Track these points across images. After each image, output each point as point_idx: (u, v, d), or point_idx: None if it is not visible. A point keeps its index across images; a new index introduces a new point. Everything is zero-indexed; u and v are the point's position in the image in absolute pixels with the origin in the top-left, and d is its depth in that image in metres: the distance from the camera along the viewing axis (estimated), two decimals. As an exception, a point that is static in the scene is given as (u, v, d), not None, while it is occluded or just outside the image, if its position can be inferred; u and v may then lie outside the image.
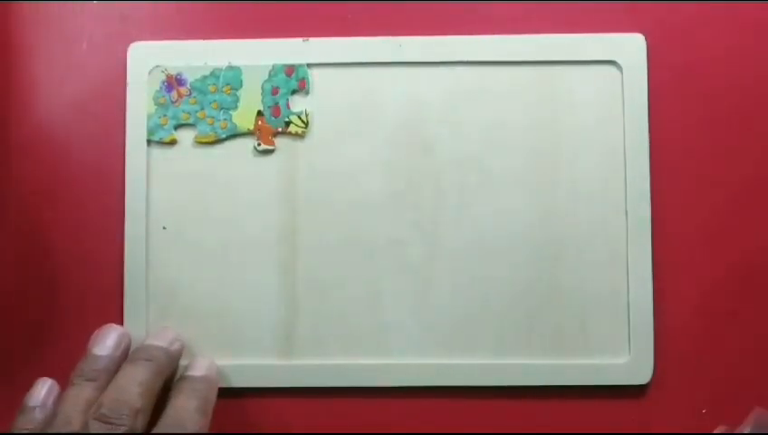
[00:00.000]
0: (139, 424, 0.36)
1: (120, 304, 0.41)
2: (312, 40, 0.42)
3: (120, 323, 0.41)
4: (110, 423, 0.35)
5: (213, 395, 0.40)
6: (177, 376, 0.40)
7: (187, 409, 0.38)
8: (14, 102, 0.42)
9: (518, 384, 0.41)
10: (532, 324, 0.41)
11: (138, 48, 0.42)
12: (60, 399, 0.38)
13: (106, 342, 0.40)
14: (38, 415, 0.38)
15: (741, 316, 0.41)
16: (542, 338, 0.41)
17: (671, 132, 0.42)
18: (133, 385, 0.37)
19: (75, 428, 0.36)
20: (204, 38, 0.42)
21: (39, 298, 0.42)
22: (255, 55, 0.42)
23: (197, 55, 0.42)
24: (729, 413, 0.41)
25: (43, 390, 0.39)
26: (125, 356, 0.40)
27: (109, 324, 0.41)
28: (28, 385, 0.39)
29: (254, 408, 0.42)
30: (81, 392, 0.38)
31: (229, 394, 0.41)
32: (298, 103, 0.41)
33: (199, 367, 0.40)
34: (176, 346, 0.40)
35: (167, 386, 0.39)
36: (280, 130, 0.41)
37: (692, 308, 0.41)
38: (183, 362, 0.41)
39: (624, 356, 0.41)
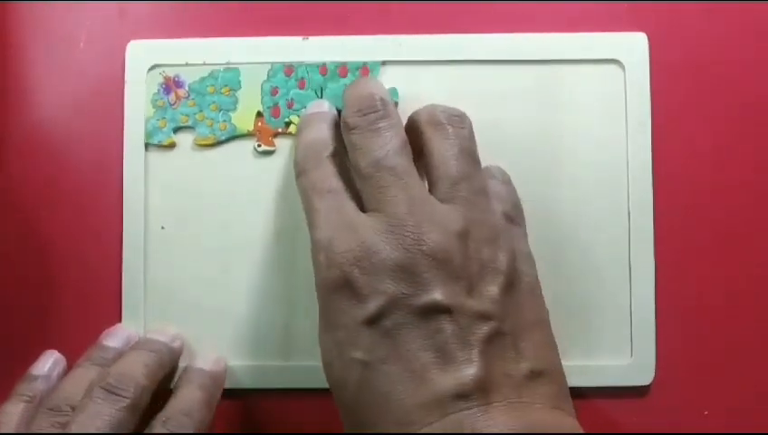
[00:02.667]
0: (143, 401, 0.36)
1: (118, 304, 0.41)
2: (312, 38, 0.41)
3: (119, 323, 0.41)
4: (116, 394, 0.35)
5: (218, 392, 0.40)
6: (179, 372, 0.40)
7: (194, 399, 0.38)
8: (11, 102, 0.42)
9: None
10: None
11: (136, 46, 0.42)
12: (65, 377, 0.39)
13: (117, 336, 0.40)
14: (40, 385, 0.39)
15: (743, 317, 0.41)
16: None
17: (674, 131, 0.41)
18: (139, 365, 0.37)
19: (74, 403, 0.36)
20: (203, 36, 0.42)
21: (36, 298, 0.42)
22: (254, 53, 0.41)
23: (196, 53, 0.41)
24: (731, 415, 0.41)
25: (49, 361, 0.40)
26: None
27: (119, 324, 0.41)
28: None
29: (253, 409, 0.42)
30: (86, 373, 0.38)
31: (228, 395, 0.41)
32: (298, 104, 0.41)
33: (209, 360, 0.40)
34: (177, 343, 0.41)
35: (164, 385, 0.40)
36: (280, 130, 0.41)
37: (694, 310, 0.41)
38: (182, 364, 0.41)
39: (626, 358, 0.41)
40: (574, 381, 0.40)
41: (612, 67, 0.41)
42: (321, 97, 0.41)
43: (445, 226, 0.32)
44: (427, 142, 0.35)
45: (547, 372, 0.32)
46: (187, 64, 0.41)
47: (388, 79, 0.41)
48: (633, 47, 0.41)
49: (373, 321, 0.31)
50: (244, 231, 0.41)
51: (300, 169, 0.36)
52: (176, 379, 0.40)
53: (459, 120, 0.35)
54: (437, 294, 0.31)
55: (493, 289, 0.32)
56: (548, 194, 0.41)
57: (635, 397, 0.41)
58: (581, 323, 0.41)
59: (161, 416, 0.37)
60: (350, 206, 0.34)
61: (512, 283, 0.33)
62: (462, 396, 0.30)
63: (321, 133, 0.37)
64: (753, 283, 0.41)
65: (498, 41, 0.41)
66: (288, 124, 0.41)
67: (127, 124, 0.41)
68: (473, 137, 0.36)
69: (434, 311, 0.31)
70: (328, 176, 0.35)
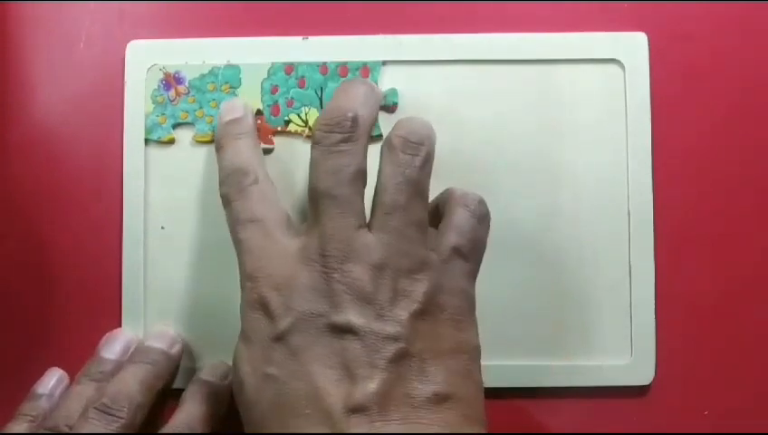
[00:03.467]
0: (138, 419, 0.37)
1: (118, 304, 0.41)
2: (312, 38, 0.41)
3: (119, 323, 0.41)
4: (110, 414, 0.36)
5: (224, 406, 0.40)
6: (180, 377, 0.41)
7: (198, 415, 0.38)
8: (12, 102, 0.42)
9: (519, 385, 0.41)
10: (533, 325, 0.41)
11: (136, 46, 0.42)
12: (64, 395, 0.39)
13: (115, 346, 0.40)
14: (44, 403, 0.39)
15: (743, 318, 0.41)
16: (543, 339, 0.41)
17: (674, 131, 0.41)
18: (134, 382, 0.38)
19: (72, 423, 0.36)
20: (203, 36, 0.42)
21: (36, 298, 0.42)
22: (254, 53, 0.41)
23: (196, 53, 0.41)
24: (731, 415, 0.41)
25: (53, 379, 0.40)
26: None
27: (118, 329, 0.41)
28: (25, 385, 0.40)
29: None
30: (84, 391, 0.38)
31: (228, 395, 0.41)
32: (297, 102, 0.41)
33: (217, 373, 0.40)
34: (176, 348, 0.41)
35: (166, 388, 0.40)
36: (279, 129, 0.41)
37: (694, 309, 0.41)
38: (190, 364, 0.41)
39: (626, 357, 0.41)
40: (574, 380, 0.41)
41: (612, 67, 0.41)
42: (322, 97, 0.41)
43: (364, 257, 0.33)
44: (380, 163, 0.35)
45: (454, 397, 0.32)
46: (186, 64, 0.41)
47: (389, 79, 0.41)
48: (633, 47, 0.41)
49: (284, 337, 0.32)
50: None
51: (224, 201, 0.37)
52: (178, 377, 0.41)
53: (414, 148, 0.35)
54: (346, 315, 0.32)
55: (402, 313, 0.32)
56: (548, 193, 0.41)
57: (635, 397, 0.41)
58: (581, 323, 0.41)
59: (165, 430, 0.37)
60: (275, 231, 0.35)
61: (427, 312, 0.33)
62: (359, 410, 0.30)
63: (240, 156, 0.37)
64: (753, 282, 0.41)
65: (498, 41, 0.41)
66: (287, 123, 0.41)
67: (127, 123, 0.41)
68: (425, 166, 0.35)
69: (342, 331, 0.32)
70: (250, 206, 0.35)
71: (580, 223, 0.41)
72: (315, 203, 0.34)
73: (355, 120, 0.34)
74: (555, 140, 0.41)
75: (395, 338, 0.32)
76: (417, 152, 0.35)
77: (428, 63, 0.41)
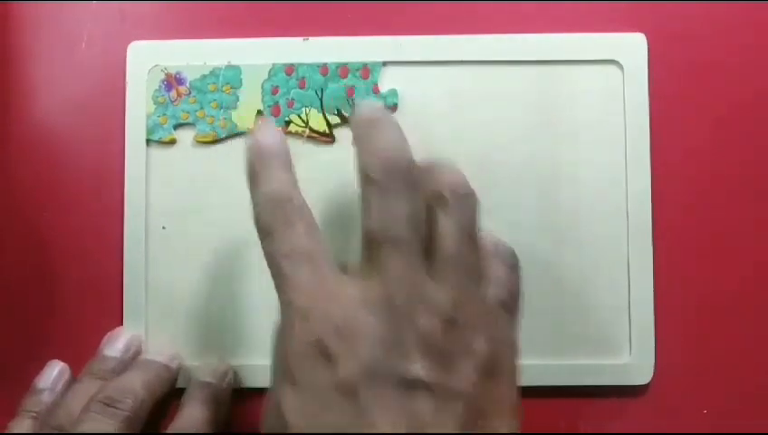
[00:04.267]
0: (142, 415, 0.37)
1: (119, 304, 0.41)
2: (312, 39, 0.42)
3: (120, 322, 0.41)
4: (113, 406, 0.36)
5: (224, 407, 0.40)
6: (180, 376, 0.41)
7: (199, 419, 0.38)
8: (13, 102, 0.42)
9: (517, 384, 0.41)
10: (531, 324, 0.41)
11: (137, 47, 0.42)
12: (67, 393, 0.39)
13: (117, 344, 0.40)
14: (46, 398, 0.39)
15: (742, 316, 0.42)
16: (541, 338, 0.41)
17: (672, 132, 0.41)
18: (138, 381, 0.38)
19: (74, 419, 0.36)
20: (204, 37, 0.42)
21: (37, 298, 0.42)
22: (255, 54, 0.41)
23: (197, 54, 0.42)
24: (730, 415, 0.41)
25: (54, 372, 0.40)
26: (134, 360, 0.40)
27: (120, 327, 0.41)
28: (28, 384, 0.40)
29: (254, 409, 0.42)
30: (88, 388, 0.38)
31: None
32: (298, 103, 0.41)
33: (216, 374, 0.40)
34: (175, 364, 0.41)
35: (165, 398, 0.40)
36: (280, 129, 0.41)
37: (693, 308, 0.41)
38: (190, 364, 0.41)
39: (625, 356, 0.41)
40: (573, 380, 0.41)
41: (611, 68, 0.41)
42: (322, 98, 0.41)
43: (432, 306, 0.31)
44: (429, 211, 0.33)
45: None
46: (187, 65, 0.42)
47: (389, 80, 0.41)
48: (632, 48, 0.41)
49: (346, 385, 0.30)
50: (245, 229, 0.41)
51: (265, 232, 0.33)
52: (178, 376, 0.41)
53: (466, 199, 0.33)
54: (418, 369, 0.30)
55: (470, 371, 0.31)
56: (547, 194, 0.41)
57: (633, 396, 0.41)
58: (580, 323, 0.41)
59: (168, 431, 0.37)
60: (329, 269, 0.32)
61: (488, 367, 0.31)
62: None
63: (280, 184, 0.33)
64: (752, 281, 0.42)
65: (498, 41, 0.41)
66: (288, 123, 0.41)
67: (128, 123, 0.42)
68: (475, 216, 0.33)
69: (412, 385, 0.30)
70: (298, 237, 0.32)
71: (579, 223, 0.41)
72: (376, 247, 0.31)
73: (409, 161, 0.32)
74: (554, 141, 0.41)
75: (464, 396, 0.30)
76: (470, 203, 0.33)
77: (428, 64, 0.41)
